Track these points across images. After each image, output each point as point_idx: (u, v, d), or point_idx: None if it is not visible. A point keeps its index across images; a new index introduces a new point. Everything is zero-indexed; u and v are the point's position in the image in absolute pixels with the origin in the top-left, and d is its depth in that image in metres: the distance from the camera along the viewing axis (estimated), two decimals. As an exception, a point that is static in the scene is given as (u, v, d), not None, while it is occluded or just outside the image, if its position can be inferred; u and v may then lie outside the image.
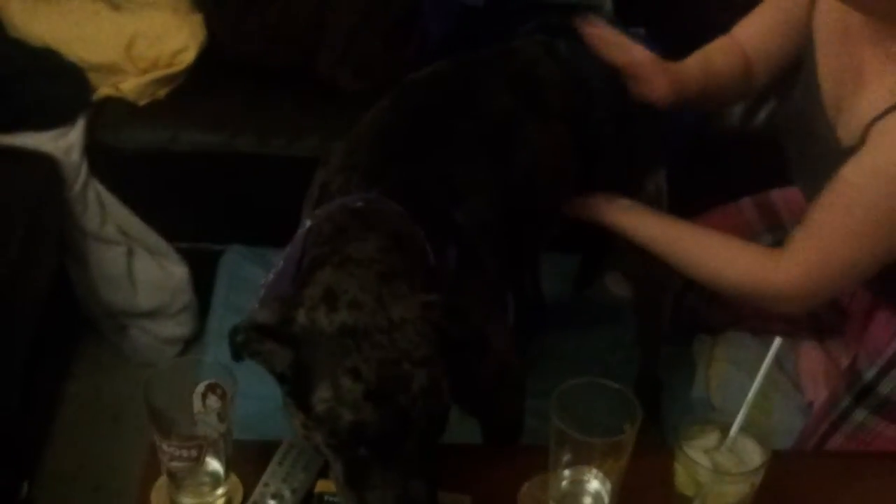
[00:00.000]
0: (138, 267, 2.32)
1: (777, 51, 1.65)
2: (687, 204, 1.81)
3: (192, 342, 2.40)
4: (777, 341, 1.16)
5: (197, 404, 1.16)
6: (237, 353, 1.14)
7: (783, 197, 1.86)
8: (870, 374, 1.59)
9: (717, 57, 1.69)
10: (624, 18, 2.40)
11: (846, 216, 1.39)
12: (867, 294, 1.69)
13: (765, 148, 2.24)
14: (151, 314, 2.36)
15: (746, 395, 1.16)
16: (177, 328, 2.39)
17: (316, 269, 1.19)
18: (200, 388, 1.16)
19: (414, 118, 1.49)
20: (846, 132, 1.44)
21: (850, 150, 1.40)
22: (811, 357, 1.82)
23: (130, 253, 2.31)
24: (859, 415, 1.59)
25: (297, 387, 1.11)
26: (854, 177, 1.38)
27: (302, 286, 1.17)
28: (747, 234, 1.82)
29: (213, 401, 1.16)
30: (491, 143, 1.50)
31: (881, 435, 1.58)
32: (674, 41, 2.38)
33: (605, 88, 1.67)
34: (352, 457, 1.09)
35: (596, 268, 2.09)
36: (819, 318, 1.80)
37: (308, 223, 1.29)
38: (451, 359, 1.15)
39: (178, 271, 2.35)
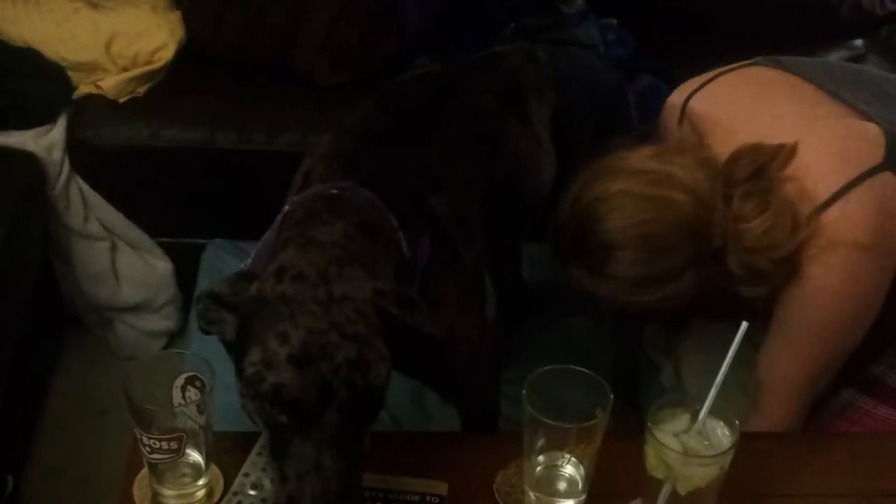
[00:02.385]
0: (122, 262, 2.33)
1: None
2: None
3: (176, 336, 2.41)
4: (743, 325, 1.18)
5: (177, 397, 1.18)
6: (202, 324, 1.19)
7: None
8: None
9: None
10: (597, 10, 2.42)
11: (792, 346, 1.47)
12: None
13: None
14: (136, 309, 2.38)
15: (715, 384, 1.19)
16: (161, 322, 2.41)
17: (281, 250, 1.22)
18: (180, 380, 1.18)
19: (399, 114, 1.54)
20: None
21: None
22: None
23: (114, 248, 2.32)
24: (846, 394, 1.61)
25: (238, 354, 1.14)
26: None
27: (270, 261, 1.21)
28: None
29: (192, 393, 1.18)
30: (474, 140, 1.54)
31: (869, 414, 1.59)
32: (645, 32, 2.41)
33: (582, 91, 1.74)
34: (274, 424, 1.11)
35: None
36: None
37: (286, 209, 1.32)
38: (406, 345, 1.18)
39: (162, 266, 2.36)
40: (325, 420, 1.10)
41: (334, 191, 1.33)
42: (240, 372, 1.14)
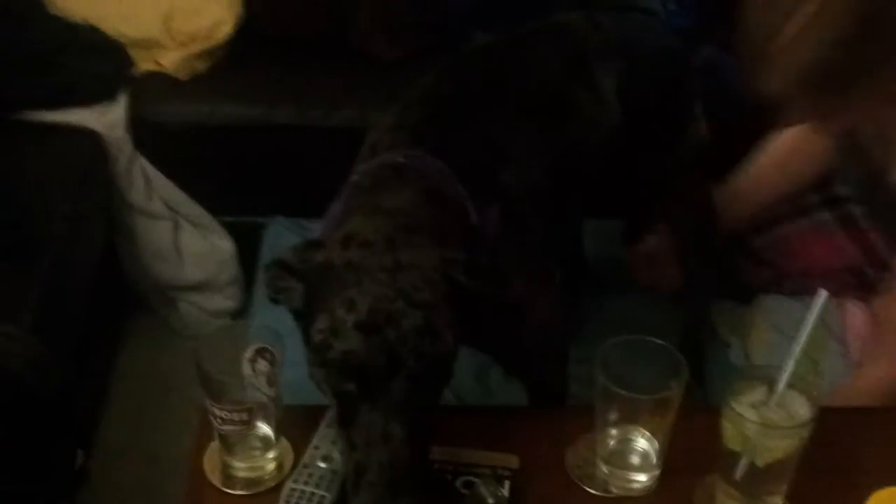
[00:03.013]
0: (184, 241, 2.35)
1: None
2: (725, 164, 1.81)
3: (238, 315, 2.42)
4: (822, 293, 1.15)
5: (246, 368, 1.17)
6: (270, 293, 1.19)
7: None
8: None
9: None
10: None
11: None
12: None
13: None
14: (199, 287, 2.39)
15: (793, 354, 1.16)
16: (224, 301, 2.42)
17: (346, 217, 1.22)
18: (249, 352, 1.17)
19: (464, 85, 1.52)
20: None
21: None
22: (857, 317, 1.80)
23: (176, 227, 2.34)
24: None
25: (305, 322, 1.14)
26: None
27: (336, 231, 1.21)
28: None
29: (262, 365, 1.18)
30: (540, 111, 1.51)
31: None
32: (706, 4, 2.37)
33: (647, 58, 1.70)
34: (342, 393, 1.10)
35: (641, 226, 2.09)
36: (864, 276, 1.79)
37: (354, 178, 1.32)
38: (474, 316, 1.16)
39: (224, 244, 2.37)
40: (393, 388, 1.09)
41: (402, 159, 1.32)
42: (307, 340, 1.13)
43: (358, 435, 1.10)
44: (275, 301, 1.20)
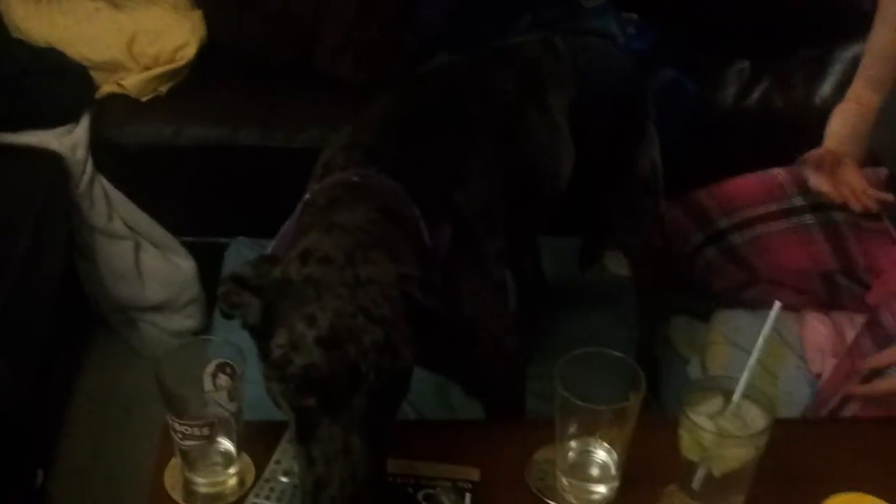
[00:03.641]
0: (146, 261, 2.34)
1: None
2: (688, 179, 1.84)
3: (200, 335, 2.41)
4: (776, 305, 1.17)
5: (208, 384, 1.17)
6: (224, 308, 1.18)
7: None
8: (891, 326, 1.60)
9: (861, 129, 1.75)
10: (617, 3, 2.42)
11: None
12: None
13: (759, 126, 2.29)
14: (160, 308, 2.38)
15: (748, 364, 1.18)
16: (185, 321, 2.41)
17: (303, 235, 1.22)
18: (211, 367, 1.17)
19: (420, 104, 1.54)
20: None
21: None
22: (817, 330, 1.83)
23: (138, 247, 2.33)
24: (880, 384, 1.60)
25: (262, 337, 1.14)
26: None
27: (289, 249, 1.21)
28: (780, 196, 1.86)
29: (223, 380, 1.18)
30: (494, 131, 1.53)
31: None
32: (666, 26, 2.41)
33: (600, 80, 1.74)
34: (302, 408, 1.10)
35: (598, 246, 2.12)
36: (835, 283, 1.82)
37: (307, 197, 1.32)
38: (433, 334, 1.17)
39: (185, 265, 2.37)
40: (354, 403, 1.09)
41: (356, 178, 1.33)
42: (265, 355, 1.13)
43: (318, 450, 1.10)
44: (228, 316, 1.20)
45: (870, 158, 1.77)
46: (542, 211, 1.69)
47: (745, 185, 1.89)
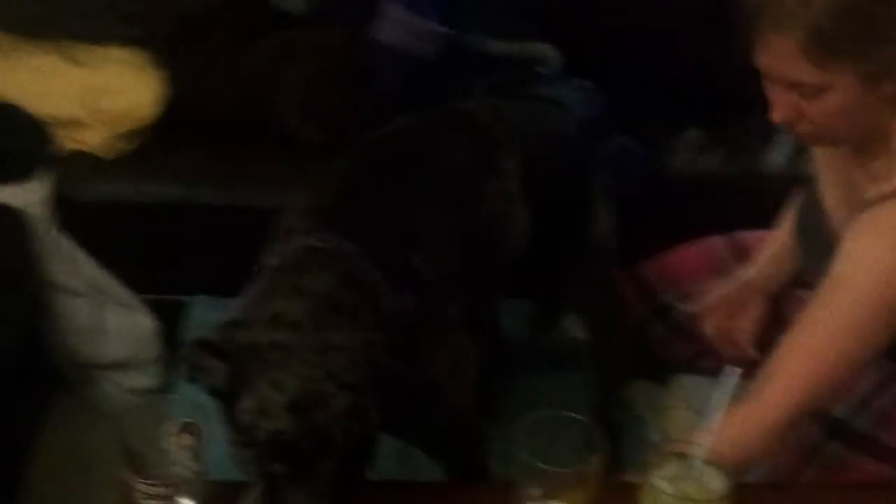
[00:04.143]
0: (106, 318, 2.32)
1: None
2: (640, 245, 1.86)
3: (160, 393, 2.39)
4: (734, 371, 1.19)
5: (171, 443, 1.17)
6: (188, 372, 1.19)
7: (754, 237, 1.90)
8: (840, 411, 1.61)
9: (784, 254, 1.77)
10: (572, 72, 2.46)
11: (835, 311, 1.40)
12: None
13: (709, 194, 2.32)
14: (120, 365, 2.36)
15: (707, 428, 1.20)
16: (146, 379, 2.39)
17: (267, 298, 1.23)
18: (174, 427, 1.17)
19: (376, 169, 1.56)
20: None
21: None
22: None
23: (99, 305, 2.31)
24: (832, 449, 1.61)
25: (228, 401, 1.15)
26: (840, 267, 1.40)
27: (252, 312, 1.23)
28: (720, 268, 1.88)
29: (186, 439, 1.18)
30: (449, 196, 1.56)
31: (857, 468, 1.60)
32: (620, 95, 2.46)
33: (549, 146, 1.77)
34: (268, 473, 1.11)
35: (552, 311, 2.15)
36: None
37: (268, 261, 1.33)
38: (396, 399, 1.18)
39: (146, 322, 2.35)
40: (321, 469, 1.10)
41: (318, 243, 1.35)
42: (231, 419, 1.13)
43: None
44: (192, 380, 1.20)
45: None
46: (500, 275, 1.71)
47: (686, 257, 1.90)
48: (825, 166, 1.60)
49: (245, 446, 1.12)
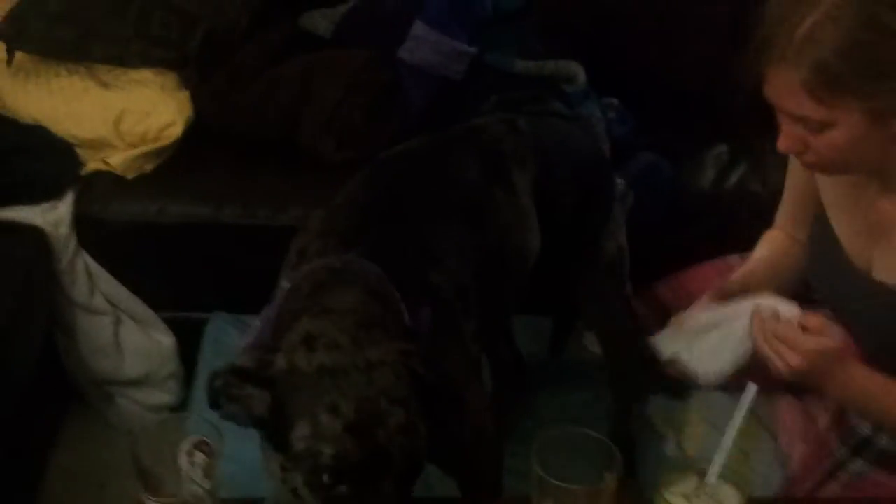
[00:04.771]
0: (125, 336, 2.33)
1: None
2: (662, 264, 1.85)
3: (177, 410, 2.40)
4: (751, 387, 1.18)
5: (183, 461, 1.17)
6: (215, 400, 1.17)
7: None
8: (866, 430, 1.61)
9: (782, 260, 1.74)
10: (598, 89, 2.46)
11: None
12: (863, 355, 1.70)
13: (736, 210, 2.31)
14: (138, 383, 2.37)
15: (723, 446, 1.19)
16: (163, 396, 2.40)
17: (294, 321, 1.22)
18: (187, 444, 1.17)
19: (389, 188, 1.56)
20: (887, 274, 1.49)
21: None
22: (789, 411, 1.83)
23: (118, 322, 2.32)
24: (856, 465, 1.60)
25: (274, 429, 1.14)
26: None
27: (279, 336, 1.21)
28: None
29: (199, 458, 1.18)
30: (463, 212, 1.55)
31: (882, 485, 1.58)
32: (646, 111, 2.45)
33: (563, 161, 1.75)
34: (331, 496, 1.11)
35: (567, 330, 2.14)
36: None
37: (286, 285, 1.33)
38: (427, 410, 1.18)
39: (165, 340, 2.36)
40: (384, 487, 1.11)
41: (338, 264, 1.34)
42: (281, 447, 1.13)
43: None
44: (216, 406, 1.18)
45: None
46: (513, 291, 1.70)
47: (703, 276, 1.88)
48: (839, 195, 1.57)
49: (306, 472, 1.11)
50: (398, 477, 1.11)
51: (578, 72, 2.47)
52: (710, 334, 1.54)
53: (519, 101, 1.98)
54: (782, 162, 2.35)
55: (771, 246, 1.76)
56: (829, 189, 1.59)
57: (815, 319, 1.47)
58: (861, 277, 1.52)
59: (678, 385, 1.93)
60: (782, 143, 1.43)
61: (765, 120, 1.99)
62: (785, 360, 1.46)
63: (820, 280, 1.65)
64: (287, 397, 1.13)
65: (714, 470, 1.16)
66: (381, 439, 1.10)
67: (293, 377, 1.14)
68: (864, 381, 1.50)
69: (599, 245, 1.81)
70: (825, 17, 1.31)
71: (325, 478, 1.10)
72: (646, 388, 1.94)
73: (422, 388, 1.17)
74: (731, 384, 1.82)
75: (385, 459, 1.10)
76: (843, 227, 1.56)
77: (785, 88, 1.36)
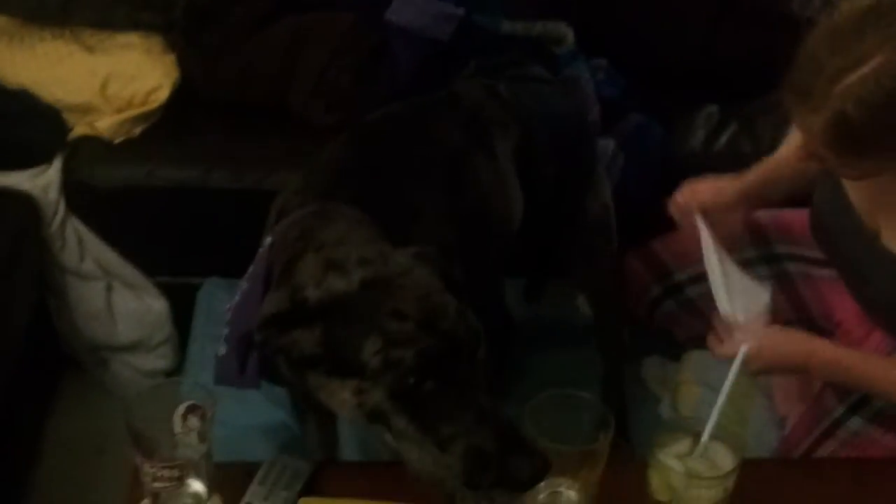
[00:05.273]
0: (118, 301, 2.33)
1: None
2: (653, 224, 1.85)
3: (172, 375, 2.40)
4: (743, 348, 1.19)
5: (178, 425, 1.17)
6: (242, 364, 1.18)
7: (769, 215, 1.89)
8: None
9: (783, 170, 1.74)
10: (586, 50, 2.45)
11: None
12: (864, 317, 1.71)
13: (726, 170, 2.30)
14: (132, 348, 2.37)
15: (716, 406, 1.19)
16: (157, 361, 2.40)
17: (296, 263, 1.21)
18: (181, 409, 1.18)
19: (368, 149, 1.56)
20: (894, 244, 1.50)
21: None
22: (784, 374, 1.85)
23: (109, 288, 2.32)
24: (854, 423, 1.62)
25: (336, 357, 1.13)
26: None
27: (288, 279, 1.19)
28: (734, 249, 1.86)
29: (193, 421, 1.18)
30: (443, 174, 1.55)
31: (877, 443, 1.60)
32: (636, 72, 2.44)
33: (543, 125, 1.75)
34: (418, 396, 1.11)
35: (541, 281, 2.14)
36: None
37: (269, 240, 1.32)
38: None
39: (157, 305, 2.36)
40: (463, 370, 1.12)
41: (318, 208, 1.34)
42: (354, 371, 1.12)
43: (450, 427, 1.11)
44: (219, 381, 1.18)
45: None
46: (499, 254, 1.70)
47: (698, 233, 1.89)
48: (855, 185, 1.57)
49: (389, 384, 1.10)
50: (467, 358, 1.13)
51: (567, 33, 2.45)
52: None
53: (498, 66, 1.97)
54: (772, 123, 2.37)
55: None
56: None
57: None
58: (871, 241, 1.52)
59: (674, 346, 1.95)
60: (805, 150, 1.43)
61: (755, 80, 1.99)
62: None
63: (829, 241, 1.66)
64: (342, 322, 1.13)
65: (708, 430, 1.16)
66: (449, 328, 1.12)
67: (338, 302, 1.13)
68: (837, 364, 1.52)
69: (584, 205, 1.82)
70: (868, 77, 1.27)
71: (411, 381, 1.10)
72: (632, 348, 1.95)
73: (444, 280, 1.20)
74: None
75: (456, 345, 1.12)
76: (855, 192, 1.56)
77: (810, 133, 1.35)
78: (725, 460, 1.16)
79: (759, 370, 1.49)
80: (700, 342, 1.87)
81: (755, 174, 1.73)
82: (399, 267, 1.16)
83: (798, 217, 1.80)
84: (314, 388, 1.17)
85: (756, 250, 1.85)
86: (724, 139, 2.37)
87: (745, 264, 1.85)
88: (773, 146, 2.28)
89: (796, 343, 1.52)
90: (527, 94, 1.81)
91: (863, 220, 1.54)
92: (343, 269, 1.15)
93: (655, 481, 1.15)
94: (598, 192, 1.86)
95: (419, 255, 1.20)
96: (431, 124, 1.63)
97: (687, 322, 1.88)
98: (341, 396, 1.14)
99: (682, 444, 1.18)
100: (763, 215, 1.89)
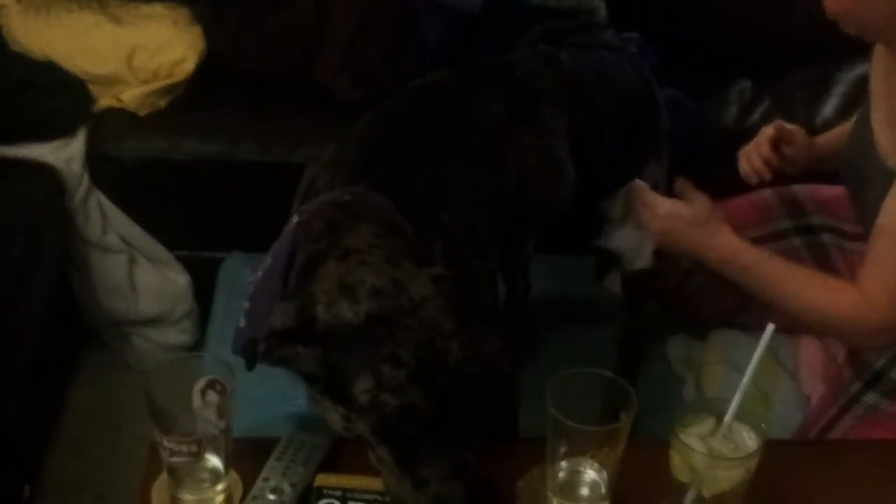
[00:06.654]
0: (140, 275, 2.34)
1: None
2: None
3: (193, 349, 2.40)
4: (769, 328, 1.16)
5: (196, 400, 1.17)
6: (251, 363, 1.15)
7: (806, 190, 1.88)
8: (880, 363, 1.61)
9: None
10: (618, 24, 2.41)
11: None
12: None
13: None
14: (153, 322, 2.38)
15: (740, 387, 1.17)
16: (178, 335, 2.41)
17: (318, 266, 1.20)
18: (200, 384, 1.17)
19: (404, 122, 1.52)
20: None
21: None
22: (810, 351, 1.83)
23: (132, 261, 2.33)
24: (870, 398, 1.61)
25: (331, 383, 1.13)
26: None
27: (306, 283, 1.18)
28: (769, 219, 1.87)
29: (212, 396, 1.17)
30: (480, 152, 1.51)
31: (892, 417, 1.59)
32: (668, 46, 2.41)
33: (607, 95, 1.70)
34: (400, 437, 1.11)
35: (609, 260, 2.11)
36: None
37: (295, 219, 1.31)
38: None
39: (179, 279, 2.36)
40: (451, 420, 1.12)
41: (346, 197, 1.32)
42: (344, 400, 1.12)
43: (428, 471, 1.12)
44: (252, 368, 1.17)
45: None
46: (536, 233, 1.67)
47: (735, 207, 1.87)
48: (878, 82, 1.58)
49: (375, 422, 1.11)
50: (462, 407, 1.12)
51: (599, 6, 2.43)
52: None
53: (564, 31, 1.90)
54: (806, 99, 2.33)
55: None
56: (874, 76, 1.59)
57: (681, 185, 1.62)
58: (880, 162, 1.52)
59: (699, 326, 1.93)
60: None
61: (789, 55, 1.96)
62: (648, 223, 1.62)
63: (848, 162, 1.65)
64: (341, 352, 1.12)
65: (731, 411, 1.14)
66: (445, 380, 1.10)
67: (343, 331, 1.12)
68: (735, 252, 1.57)
69: (638, 178, 1.77)
70: None
71: (395, 425, 1.10)
72: (647, 328, 1.92)
73: (461, 312, 1.18)
74: (750, 326, 1.82)
75: (450, 398, 1.11)
76: (876, 114, 1.56)
77: None
78: (748, 441, 1.15)
79: (657, 231, 1.61)
80: (729, 319, 1.87)
81: (824, 138, 1.77)
82: (409, 303, 1.13)
83: (835, 192, 1.79)
84: (310, 397, 1.18)
85: (792, 221, 1.84)
86: (756, 115, 2.34)
87: (781, 235, 1.85)
88: (806, 122, 2.27)
89: (703, 231, 1.58)
90: (591, 63, 1.74)
91: (877, 143, 1.54)
92: (354, 297, 1.13)
93: (677, 462, 1.14)
94: (656, 169, 1.81)
95: (438, 280, 1.17)
96: (473, 98, 1.57)
97: (720, 296, 1.86)
98: (332, 416, 1.15)
99: (705, 425, 1.16)
100: (800, 189, 1.88)
